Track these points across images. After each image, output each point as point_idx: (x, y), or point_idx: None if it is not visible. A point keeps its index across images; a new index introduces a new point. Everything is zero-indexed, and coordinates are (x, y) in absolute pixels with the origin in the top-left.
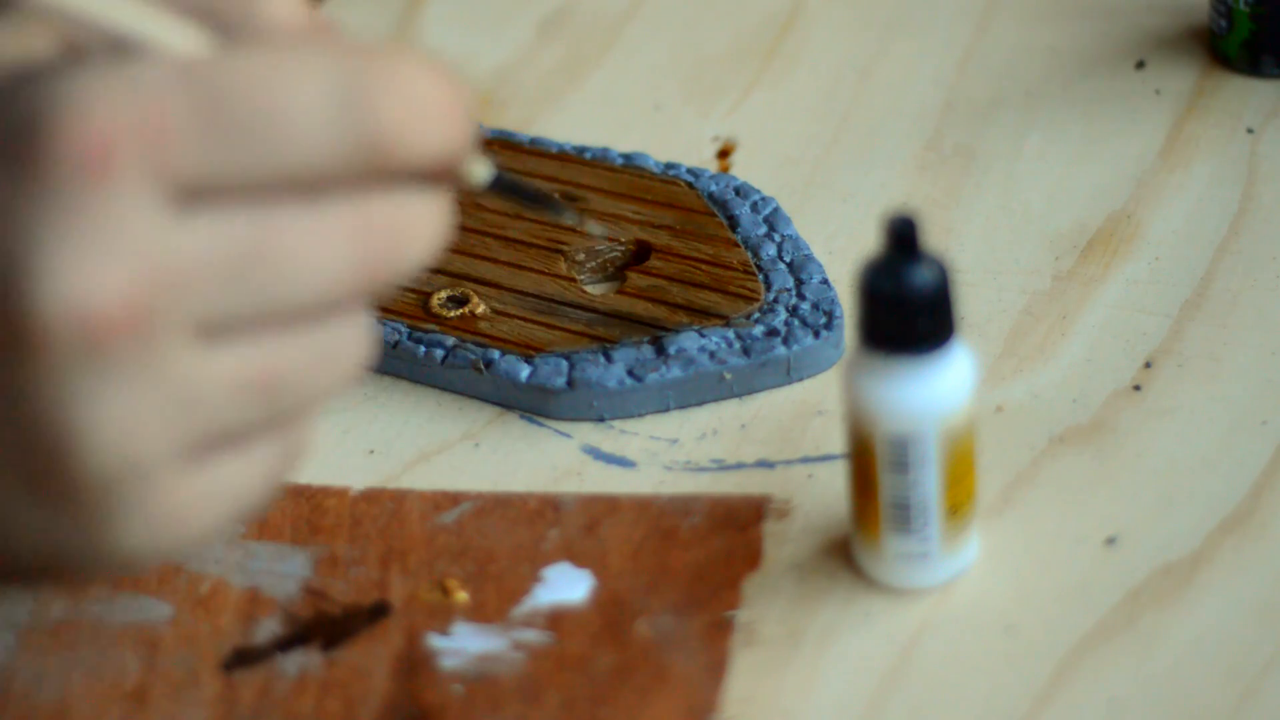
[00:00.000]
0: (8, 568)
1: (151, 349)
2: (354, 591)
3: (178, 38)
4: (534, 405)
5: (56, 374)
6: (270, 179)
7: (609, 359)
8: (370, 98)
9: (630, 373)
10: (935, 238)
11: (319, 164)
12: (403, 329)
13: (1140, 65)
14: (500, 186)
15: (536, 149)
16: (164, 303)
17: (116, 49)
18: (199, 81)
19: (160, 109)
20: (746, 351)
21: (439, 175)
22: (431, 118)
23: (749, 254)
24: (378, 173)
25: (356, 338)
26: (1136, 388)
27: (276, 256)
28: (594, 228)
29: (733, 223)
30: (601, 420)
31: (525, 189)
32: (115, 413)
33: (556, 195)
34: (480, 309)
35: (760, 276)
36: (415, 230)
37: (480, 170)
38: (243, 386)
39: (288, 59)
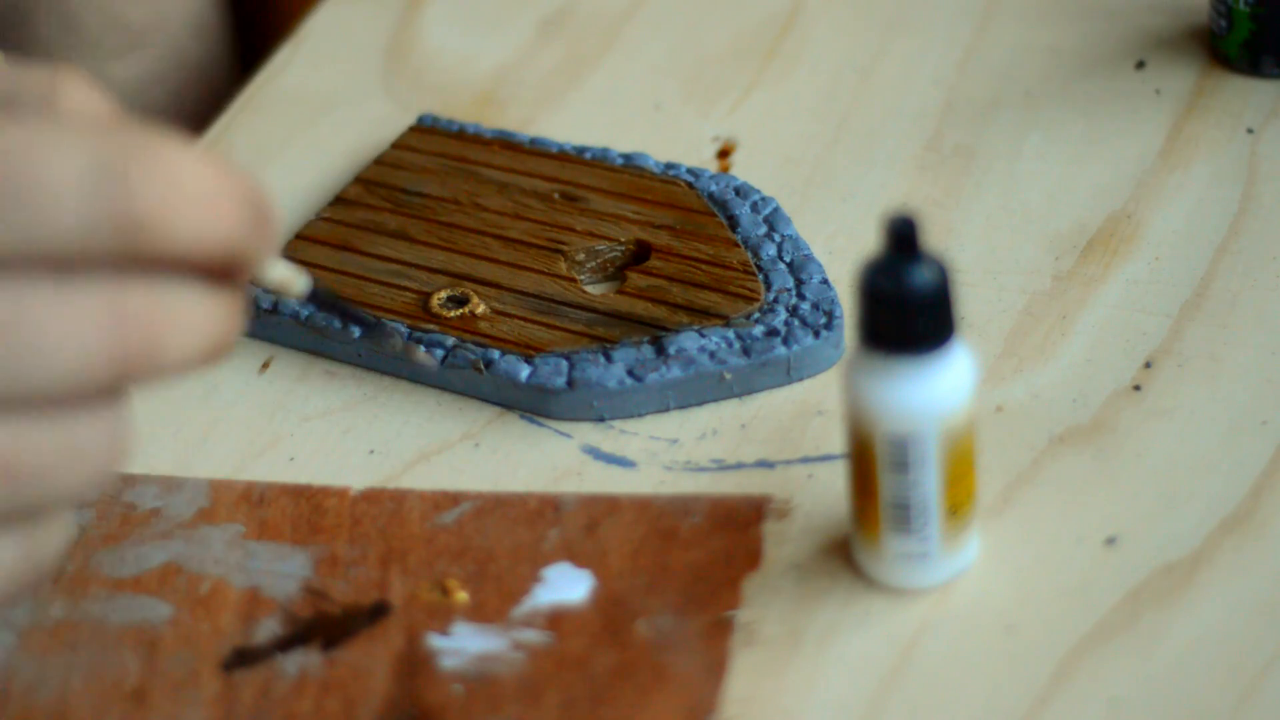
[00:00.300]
0: None
1: None
2: (354, 591)
3: None
4: (534, 405)
5: None
6: (20, 253)
7: (609, 359)
8: (127, 175)
9: (630, 373)
10: (935, 238)
11: (71, 240)
12: (403, 329)
13: (1140, 65)
14: (318, 301)
15: (536, 149)
16: None
17: None
18: None
19: None
20: (746, 351)
21: (221, 270)
22: (195, 203)
23: (749, 254)
24: (135, 256)
25: (108, 433)
26: (1136, 388)
27: (22, 333)
28: (422, 358)
29: (733, 223)
30: (601, 420)
31: (345, 309)
32: None
33: (377, 318)
34: (480, 309)
35: (760, 276)
36: (179, 324)
37: (296, 280)
38: None
39: (47, 132)
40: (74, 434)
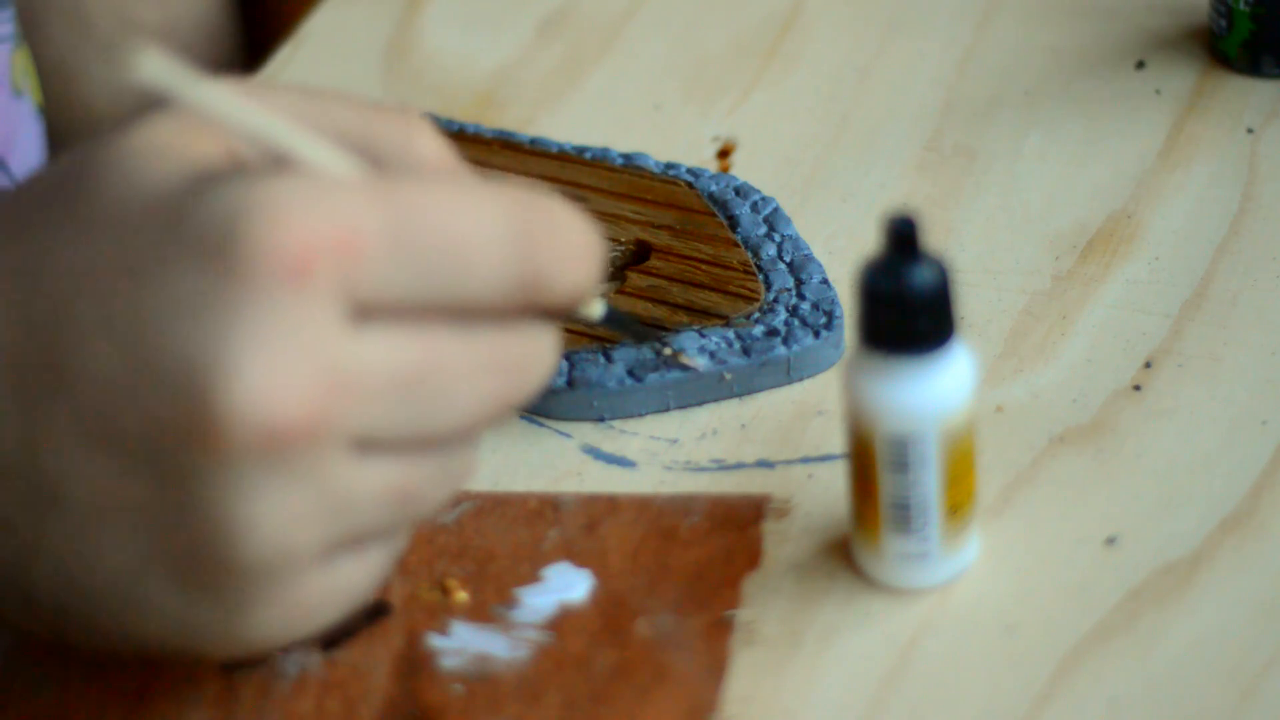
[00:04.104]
0: (122, 639)
1: (319, 455)
2: None
3: (337, 164)
4: (534, 405)
5: (230, 470)
6: (445, 305)
7: (609, 359)
8: (536, 238)
9: (630, 373)
10: (935, 238)
11: (488, 296)
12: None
13: (1140, 65)
14: (610, 321)
15: (536, 149)
16: (338, 414)
17: (279, 165)
18: (392, 204)
19: (357, 225)
20: (746, 351)
21: (567, 311)
22: (580, 260)
23: (749, 254)
24: (529, 308)
25: (475, 458)
26: (1136, 388)
27: (437, 380)
28: (687, 360)
29: (733, 223)
30: (601, 420)
31: (632, 326)
32: (277, 511)
33: (659, 335)
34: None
35: (760, 276)
36: (539, 361)
37: (596, 307)
38: (385, 496)
39: (468, 195)
40: (453, 461)
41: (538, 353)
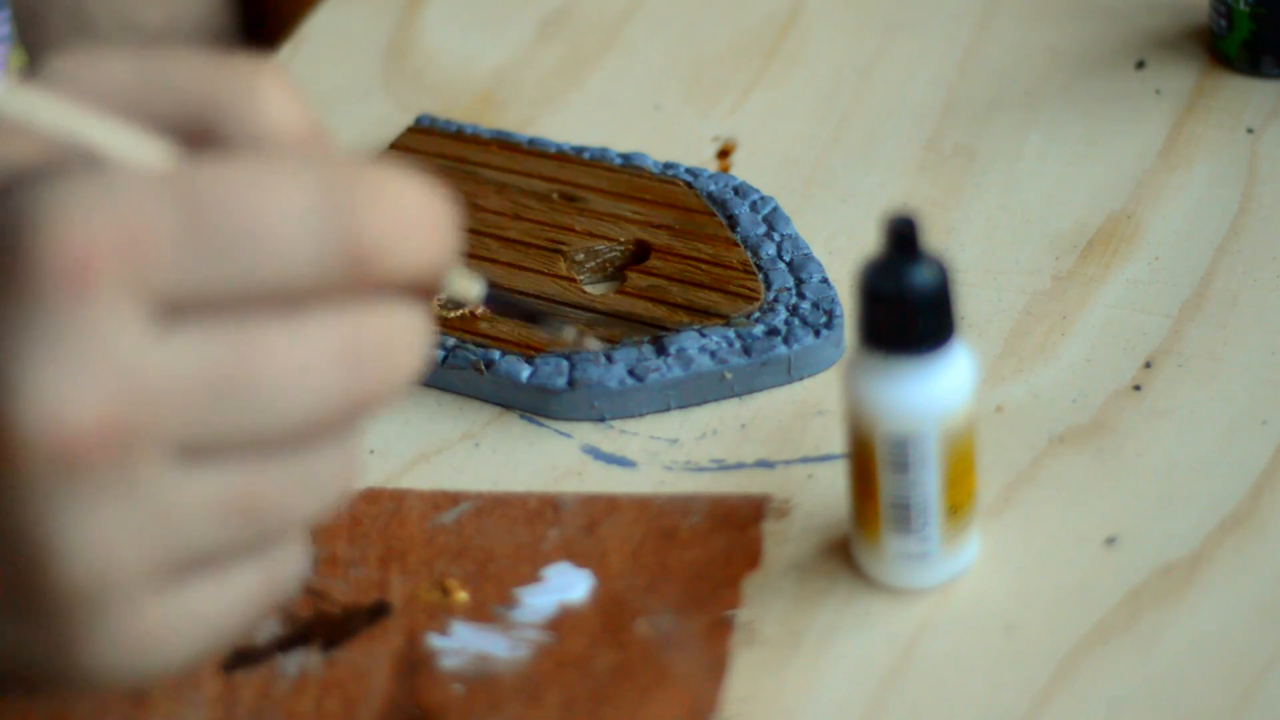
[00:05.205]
0: None
1: (129, 469)
2: (354, 591)
3: (147, 153)
4: (534, 405)
5: (35, 490)
6: (253, 293)
7: (609, 359)
8: (354, 209)
9: (631, 372)
10: (935, 238)
11: (302, 277)
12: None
13: (1140, 65)
14: (493, 302)
15: (535, 149)
16: (142, 422)
17: (94, 161)
18: (179, 193)
19: (140, 222)
20: (747, 351)
21: (423, 289)
22: (415, 230)
23: (749, 253)
24: (362, 286)
25: (344, 461)
26: (1136, 388)
27: (260, 376)
28: (591, 343)
29: (732, 222)
30: (602, 420)
31: (519, 305)
32: (91, 531)
33: (550, 314)
34: (480, 309)
35: (760, 276)
36: (402, 345)
37: (473, 286)
38: (222, 509)
39: (269, 170)
40: (312, 466)
41: (397, 335)
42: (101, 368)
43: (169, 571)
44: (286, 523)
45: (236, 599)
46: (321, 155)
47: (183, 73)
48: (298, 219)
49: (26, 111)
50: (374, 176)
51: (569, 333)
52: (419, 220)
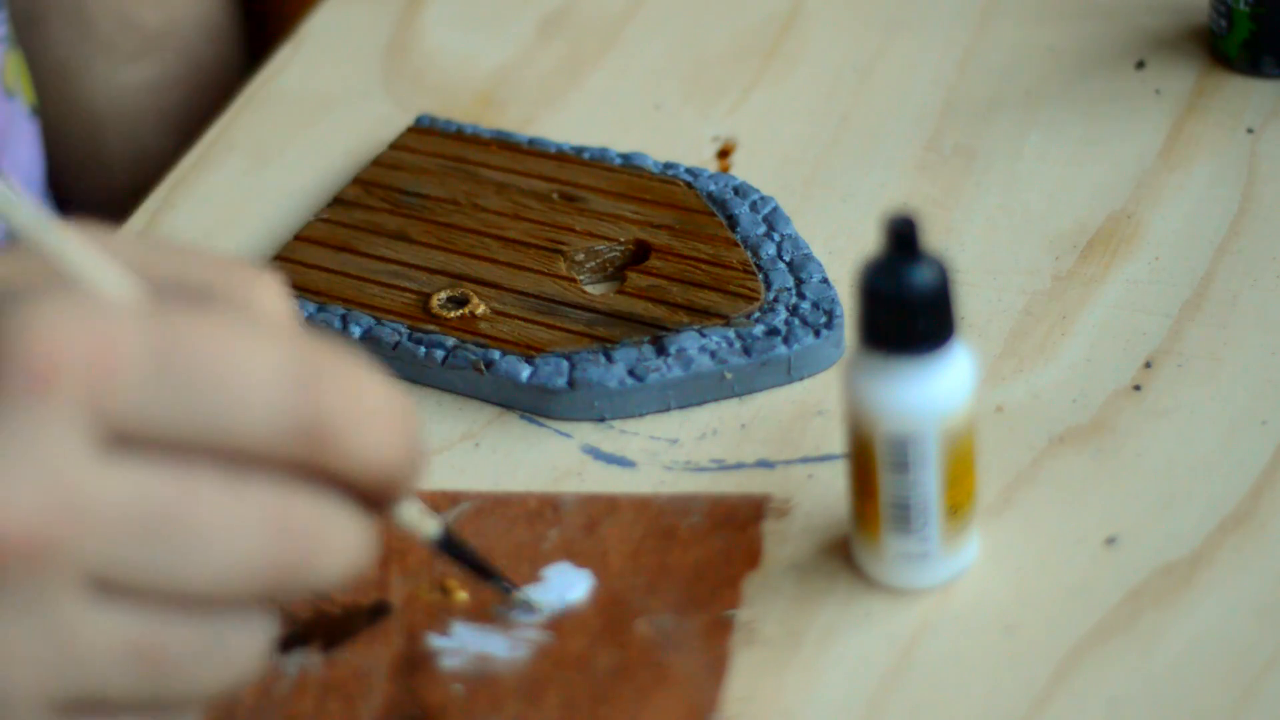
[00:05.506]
0: None
1: (43, 587)
2: (354, 591)
3: (118, 286)
4: (534, 405)
5: None
6: (204, 442)
7: (609, 359)
8: (319, 387)
9: (631, 372)
10: (935, 238)
11: (256, 439)
12: (403, 330)
13: (1140, 65)
14: (447, 548)
15: (535, 149)
16: (67, 541)
17: (80, 287)
18: (155, 330)
19: (112, 347)
20: (747, 351)
21: (374, 495)
22: (374, 424)
23: (748, 253)
24: (312, 464)
25: (254, 639)
26: (1136, 388)
27: (190, 522)
28: (530, 603)
29: (732, 222)
30: (602, 420)
31: (470, 558)
32: None
33: (499, 571)
34: (480, 309)
35: (760, 276)
36: (333, 542)
37: (429, 525)
38: (126, 653)
39: (245, 330)
40: (222, 633)
41: (332, 528)
42: (40, 476)
43: (62, 708)
44: (188, 686)
45: None
46: (296, 333)
47: (187, 259)
48: (263, 381)
49: (25, 223)
50: (342, 362)
51: (518, 598)
52: (380, 416)
